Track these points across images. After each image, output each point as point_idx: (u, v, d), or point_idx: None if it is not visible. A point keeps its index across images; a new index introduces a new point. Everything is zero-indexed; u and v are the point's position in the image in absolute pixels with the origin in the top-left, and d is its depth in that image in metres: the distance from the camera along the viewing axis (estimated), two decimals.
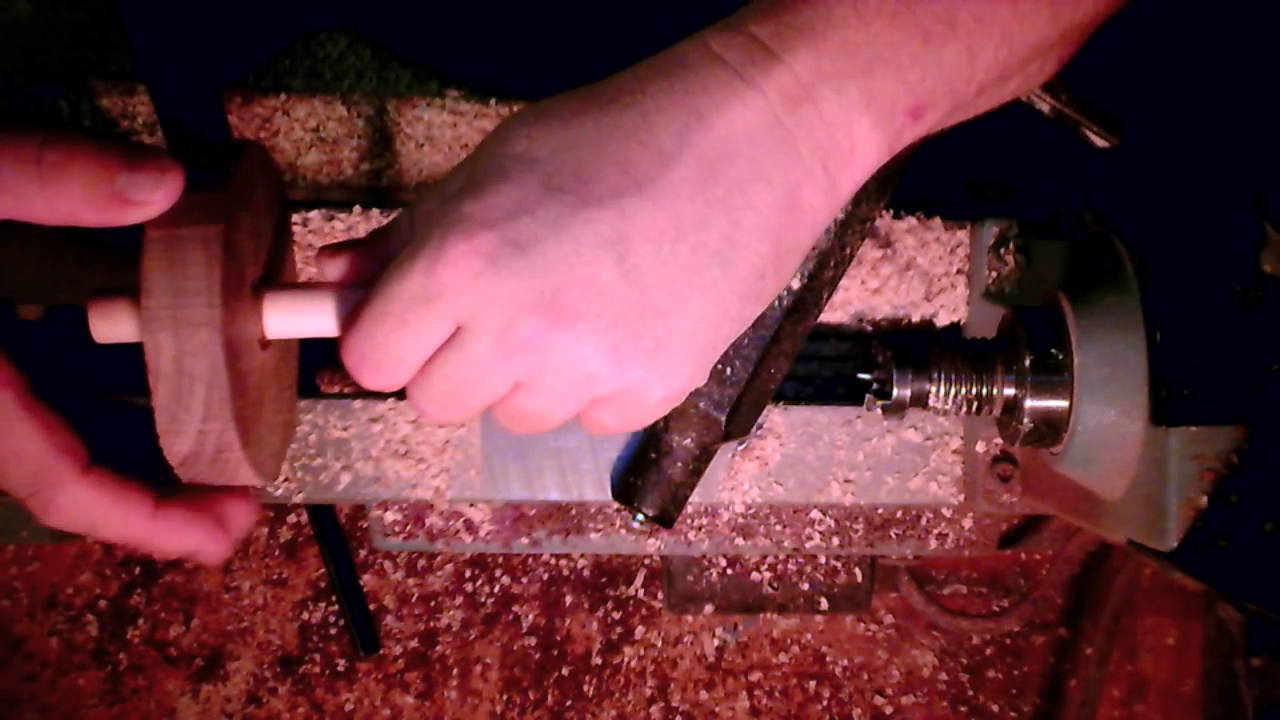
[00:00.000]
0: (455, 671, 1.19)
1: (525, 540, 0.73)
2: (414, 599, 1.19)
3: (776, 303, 0.58)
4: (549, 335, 0.42)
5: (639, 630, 1.19)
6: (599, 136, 0.43)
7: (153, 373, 0.42)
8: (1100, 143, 0.55)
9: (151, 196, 0.42)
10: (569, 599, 1.19)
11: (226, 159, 0.46)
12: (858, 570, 0.85)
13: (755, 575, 0.83)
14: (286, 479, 0.66)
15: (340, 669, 1.18)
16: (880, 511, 0.72)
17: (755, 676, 1.19)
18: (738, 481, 0.67)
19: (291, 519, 1.19)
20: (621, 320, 0.42)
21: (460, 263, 0.41)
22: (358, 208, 0.66)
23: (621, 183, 0.42)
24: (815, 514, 0.72)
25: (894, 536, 0.73)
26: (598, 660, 1.19)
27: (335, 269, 0.48)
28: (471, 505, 0.73)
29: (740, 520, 0.72)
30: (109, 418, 0.46)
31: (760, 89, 0.42)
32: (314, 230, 0.66)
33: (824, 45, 0.42)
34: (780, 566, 0.83)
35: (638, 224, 0.42)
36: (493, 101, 0.79)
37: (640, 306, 0.42)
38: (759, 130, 0.42)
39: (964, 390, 0.60)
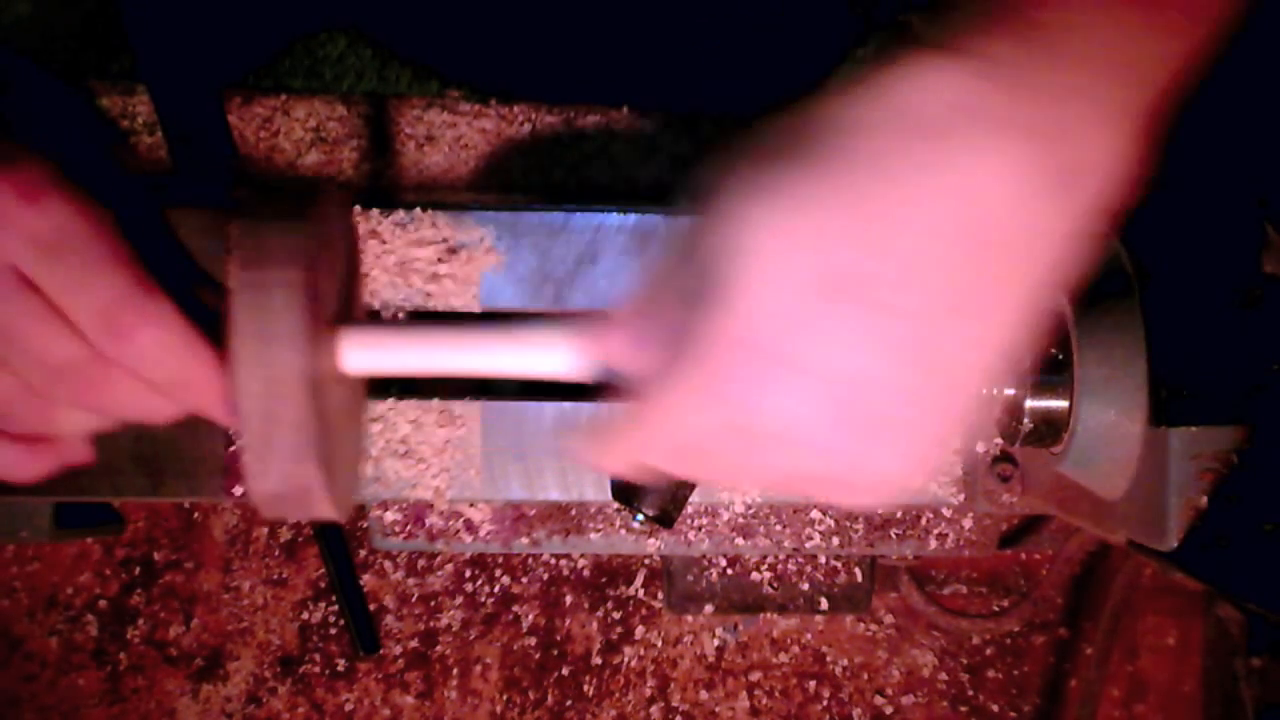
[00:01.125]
0: (455, 671, 1.19)
1: (525, 540, 0.73)
2: (414, 599, 1.19)
3: None
4: (842, 443, 0.40)
5: (639, 630, 1.19)
6: (853, 225, 0.38)
7: (241, 415, 0.43)
8: None
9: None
10: (569, 599, 1.19)
11: (307, 201, 0.46)
12: (858, 570, 0.85)
13: (755, 575, 0.83)
14: None
15: (340, 669, 1.18)
16: (880, 511, 0.72)
17: (755, 676, 1.19)
18: None
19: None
20: (915, 406, 0.40)
21: (742, 387, 0.39)
22: (357, 207, 0.66)
23: (890, 272, 0.38)
24: (815, 514, 0.72)
25: (894, 536, 0.73)
26: (598, 660, 1.19)
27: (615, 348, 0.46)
28: (471, 505, 0.73)
29: (740, 520, 0.72)
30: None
31: (1016, 125, 0.38)
32: None
33: (1072, 64, 0.38)
34: (780, 566, 0.83)
35: (917, 311, 0.39)
36: (493, 101, 0.79)
37: (928, 389, 0.40)
38: (1023, 177, 0.38)
39: None
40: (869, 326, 0.38)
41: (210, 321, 0.45)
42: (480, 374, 0.48)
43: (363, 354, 0.48)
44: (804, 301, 0.38)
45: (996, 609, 1.15)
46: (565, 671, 1.19)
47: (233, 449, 0.65)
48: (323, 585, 1.19)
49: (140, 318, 0.42)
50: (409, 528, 0.73)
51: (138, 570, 1.18)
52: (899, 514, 0.73)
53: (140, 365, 0.43)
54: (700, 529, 0.72)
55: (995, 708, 1.20)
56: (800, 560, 0.83)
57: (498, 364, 0.48)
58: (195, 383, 0.44)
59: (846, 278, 0.38)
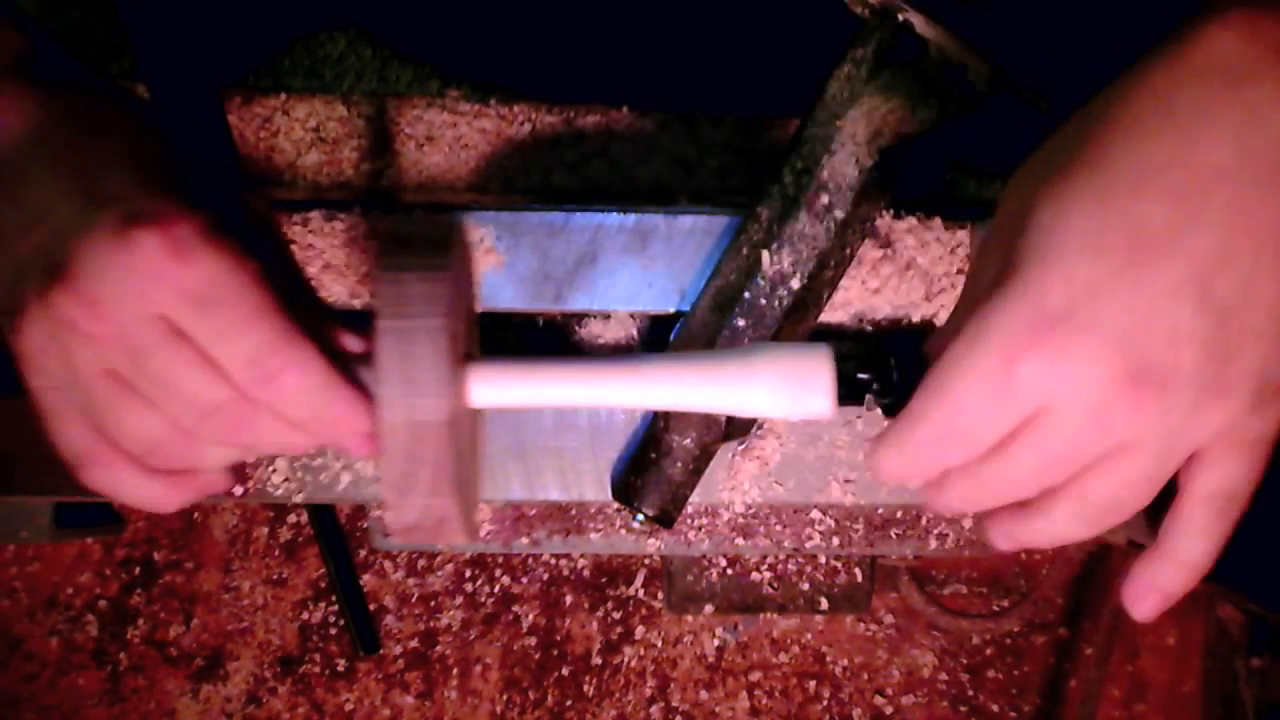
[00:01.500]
0: (455, 671, 1.19)
1: (525, 540, 0.73)
2: (414, 599, 1.19)
3: (777, 303, 0.58)
4: (1143, 405, 0.39)
5: (639, 630, 1.19)
6: (1136, 176, 0.39)
7: (386, 454, 0.45)
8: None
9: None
10: (569, 599, 1.19)
11: (444, 245, 0.47)
12: (858, 570, 0.85)
13: (755, 575, 0.83)
14: (286, 479, 0.66)
15: (340, 669, 1.18)
16: (880, 511, 0.72)
17: (755, 676, 1.19)
18: (738, 481, 0.67)
19: (291, 519, 1.19)
20: (1218, 354, 0.39)
21: (1030, 360, 0.39)
22: (358, 208, 0.66)
23: (1176, 219, 0.38)
24: (815, 514, 0.72)
25: (894, 536, 0.73)
26: (598, 660, 1.19)
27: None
28: None
29: (740, 520, 0.72)
30: None
31: None
32: (314, 230, 0.66)
33: None
34: (780, 566, 0.83)
35: (1207, 257, 0.38)
36: (493, 101, 0.79)
37: (1229, 334, 0.39)
38: None
39: None
40: (1168, 279, 0.38)
41: (345, 358, 0.47)
42: (599, 405, 0.50)
43: (491, 389, 0.49)
44: (1082, 267, 0.38)
45: (997, 609, 1.15)
46: (565, 671, 1.19)
47: None
48: (323, 585, 1.19)
49: (285, 363, 0.44)
50: None
51: (138, 570, 1.18)
52: (899, 514, 0.73)
53: (284, 406, 0.44)
54: (700, 529, 0.72)
55: (995, 708, 1.20)
56: (800, 560, 0.83)
57: (619, 397, 0.50)
58: (335, 420, 0.45)
59: (1115, 232, 0.38)
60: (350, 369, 0.47)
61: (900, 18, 0.53)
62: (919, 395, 0.43)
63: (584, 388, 0.49)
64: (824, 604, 0.84)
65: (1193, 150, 0.38)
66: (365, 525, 1.16)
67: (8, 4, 0.49)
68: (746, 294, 0.58)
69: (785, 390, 0.48)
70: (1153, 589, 0.44)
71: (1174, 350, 0.38)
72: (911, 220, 0.66)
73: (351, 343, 0.49)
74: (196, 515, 1.19)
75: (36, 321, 0.43)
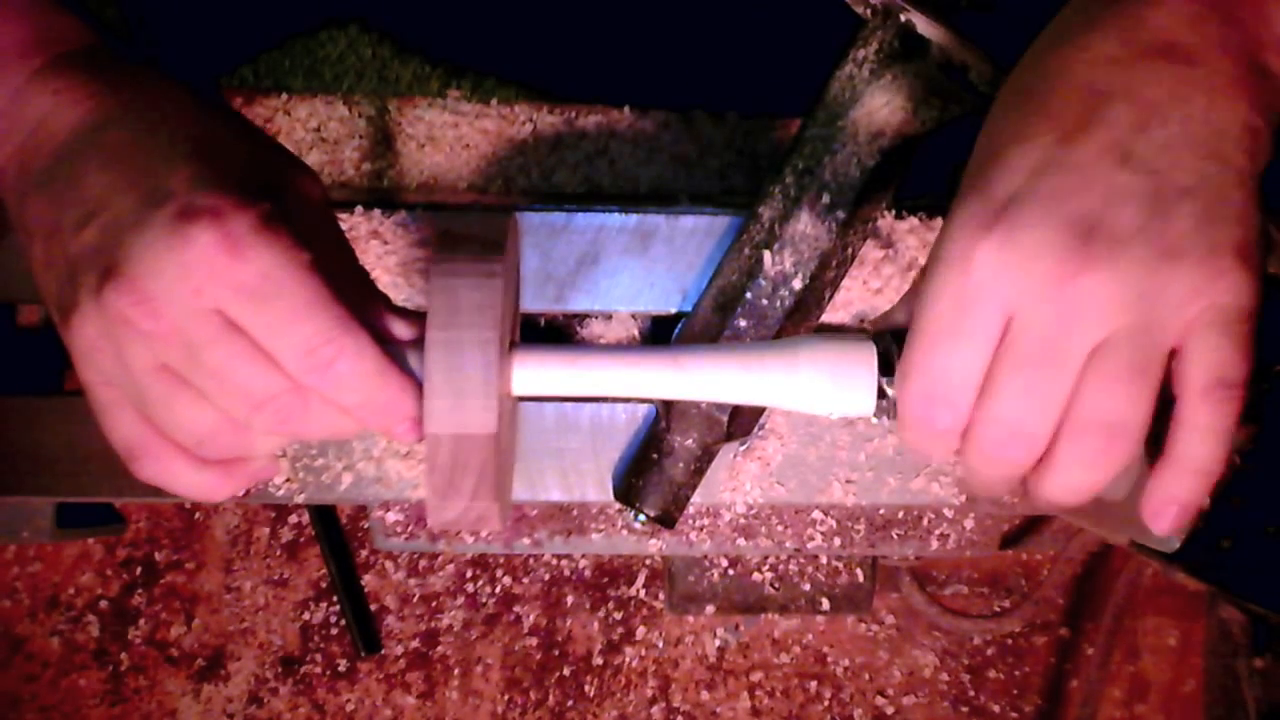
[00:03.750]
0: (456, 672, 1.19)
1: (527, 541, 0.73)
2: (415, 599, 1.19)
3: (778, 303, 0.58)
4: (1096, 269, 0.42)
5: (640, 630, 1.19)
6: (1047, 78, 0.45)
7: (430, 463, 0.45)
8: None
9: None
10: (570, 599, 1.19)
11: (496, 247, 0.47)
12: (859, 570, 0.85)
13: (757, 575, 0.83)
14: (288, 479, 0.66)
15: (341, 669, 1.18)
16: (882, 512, 0.72)
17: (756, 677, 1.19)
18: (739, 482, 0.67)
19: (293, 519, 1.19)
20: (1157, 210, 0.42)
21: (983, 250, 0.42)
22: (359, 208, 0.66)
23: (1088, 100, 0.43)
24: (817, 514, 0.72)
25: (895, 537, 0.73)
26: (599, 660, 1.19)
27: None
28: None
29: (742, 520, 0.72)
30: None
31: None
32: None
33: None
34: (782, 567, 0.83)
35: (1124, 124, 0.42)
36: (494, 101, 0.79)
37: (1162, 191, 0.42)
38: (1204, 4, 0.43)
39: None
40: (1094, 146, 0.43)
41: (393, 344, 0.47)
42: (636, 397, 0.51)
43: (534, 378, 0.49)
44: (1015, 156, 0.43)
45: (998, 609, 1.15)
46: (566, 672, 1.19)
47: None
48: (324, 585, 1.19)
49: (339, 350, 0.44)
50: (411, 528, 0.73)
51: (139, 570, 1.18)
52: (900, 514, 0.73)
53: (336, 392, 0.45)
54: (702, 529, 0.72)
55: (996, 708, 1.20)
56: (802, 561, 0.83)
57: (660, 387, 0.49)
58: (384, 406, 0.46)
59: (1036, 119, 0.44)
60: (399, 354, 0.46)
61: (902, 18, 0.53)
62: (903, 354, 0.46)
63: (625, 376, 0.49)
64: (825, 604, 0.84)
65: (1089, 48, 0.44)
66: (366, 525, 1.16)
67: None
68: (748, 294, 0.58)
69: (829, 385, 0.48)
70: (1168, 501, 0.45)
71: (1113, 208, 0.42)
72: (913, 220, 0.66)
73: (400, 329, 0.48)
74: (198, 515, 1.19)
75: (90, 318, 0.43)
